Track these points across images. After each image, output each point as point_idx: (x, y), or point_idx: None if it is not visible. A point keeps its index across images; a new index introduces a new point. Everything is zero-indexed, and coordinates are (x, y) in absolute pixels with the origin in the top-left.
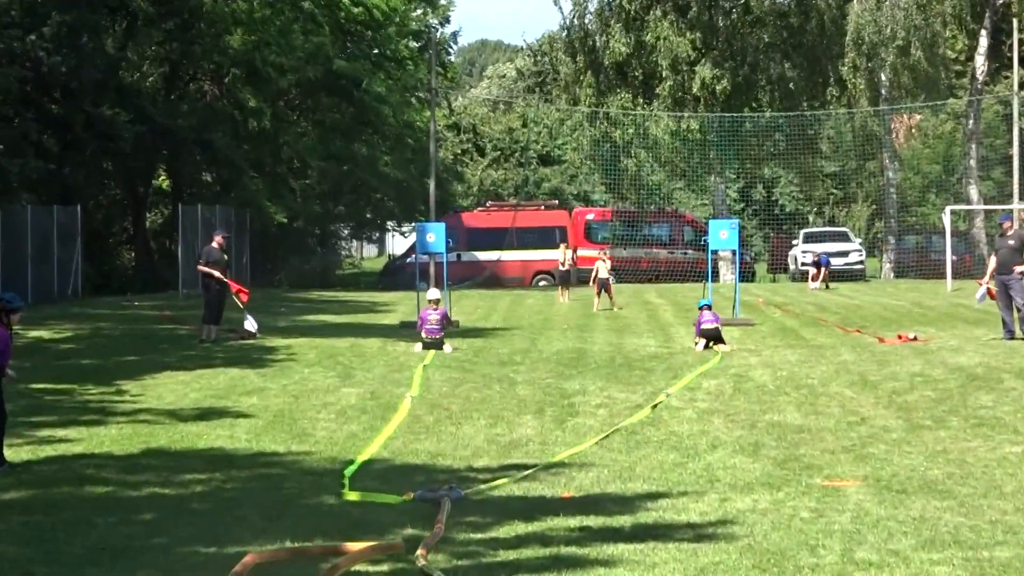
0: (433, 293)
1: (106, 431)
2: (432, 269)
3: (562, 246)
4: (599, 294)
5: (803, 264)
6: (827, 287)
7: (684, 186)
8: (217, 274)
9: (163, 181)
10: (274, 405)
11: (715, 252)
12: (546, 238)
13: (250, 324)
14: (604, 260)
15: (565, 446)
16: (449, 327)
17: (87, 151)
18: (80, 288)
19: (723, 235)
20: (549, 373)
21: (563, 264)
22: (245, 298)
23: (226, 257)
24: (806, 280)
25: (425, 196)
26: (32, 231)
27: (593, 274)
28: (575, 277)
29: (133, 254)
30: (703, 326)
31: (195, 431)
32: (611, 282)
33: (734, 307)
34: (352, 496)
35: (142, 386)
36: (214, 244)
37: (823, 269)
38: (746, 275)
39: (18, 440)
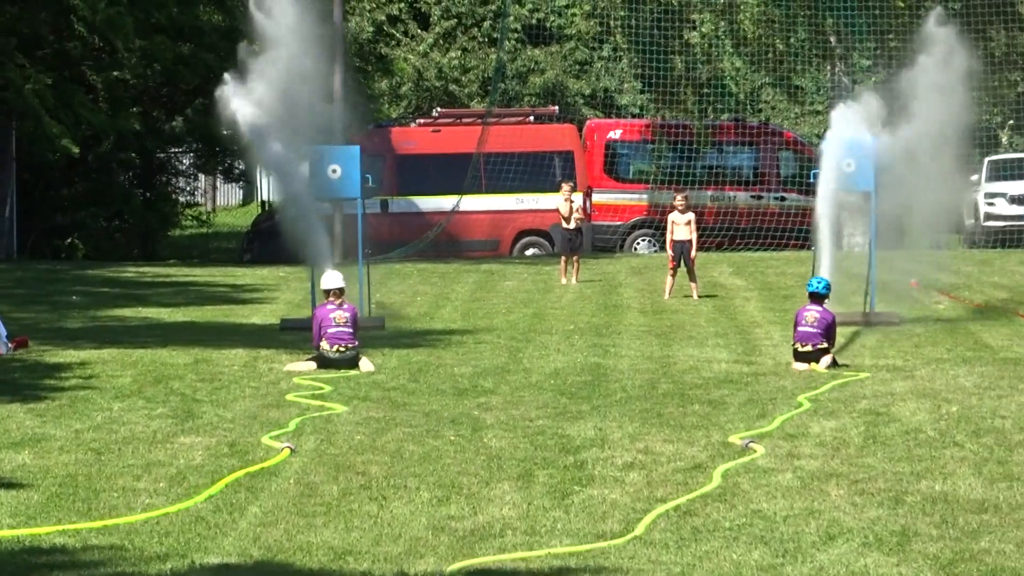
0: (333, 279)
1: None
2: (337, 227)
3: (566, 187)
4: (674, 271)
5: (989, 215)
6: None
7: (780, 81)
8: None
9: None
10: (59, 467)
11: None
12: (538, 174)
13: None
14: (680, 208)
15: (569, 537)
16: (363, 330)
17: None
18: None
19: (849, 167)
20: (542, 410)
21: (568, 219)
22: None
23: None
24: (996, 242)
25: (324, 98)
26: None
27: (668, 234)
28: (590, 241)
29: None
30: (799, 333)
31: None
32: (693, 247)
33: (867, 295)
34: None
35: None
36: None
37: None
38: (889, 236)
39: None
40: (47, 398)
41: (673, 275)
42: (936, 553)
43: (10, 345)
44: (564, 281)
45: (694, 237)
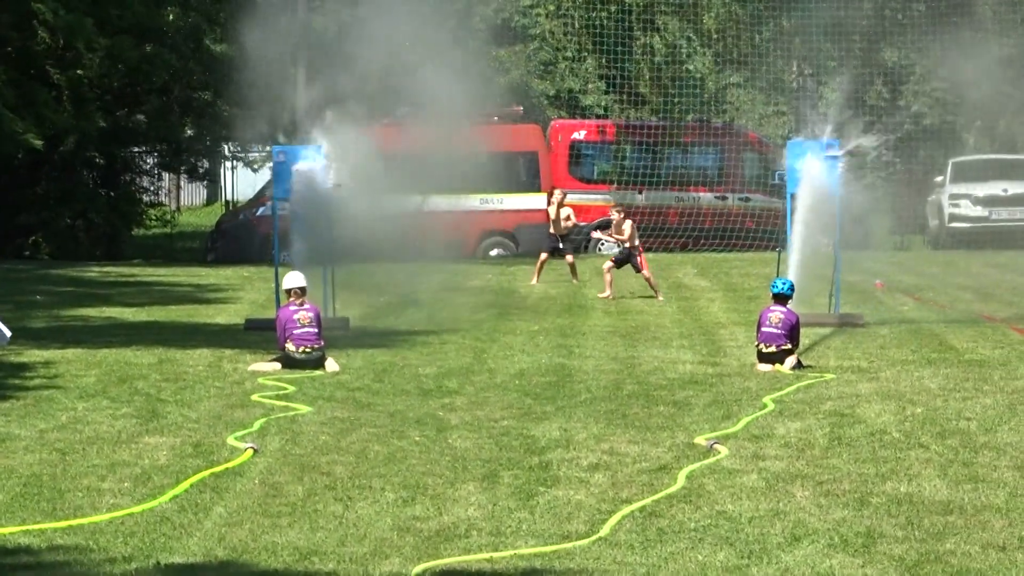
0: (295, 278)
1: None
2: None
3: (558, 193)
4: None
5: (954, 217)
6: None
7: (745, 81)
8: None
9: None
10: (24, 467)
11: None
12: (504, 173)
13: None
14: (619, 212)
15: (534, 538)
16: (327, 330)
17: None
18: None
19: (813, 168)
20: (507, 410)
21: (556, 224)
22: None
23: None
24: (961, 244)
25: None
26: None
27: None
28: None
29: None
30: (763, 334)
31: None
32: (639, 251)
33: (832, 295)
34: None
35: None
36: None
37: None
38: (854, 238)
39: None
40: (11, 398)
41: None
42: (902, 554)
43: None
44: (534, 282)
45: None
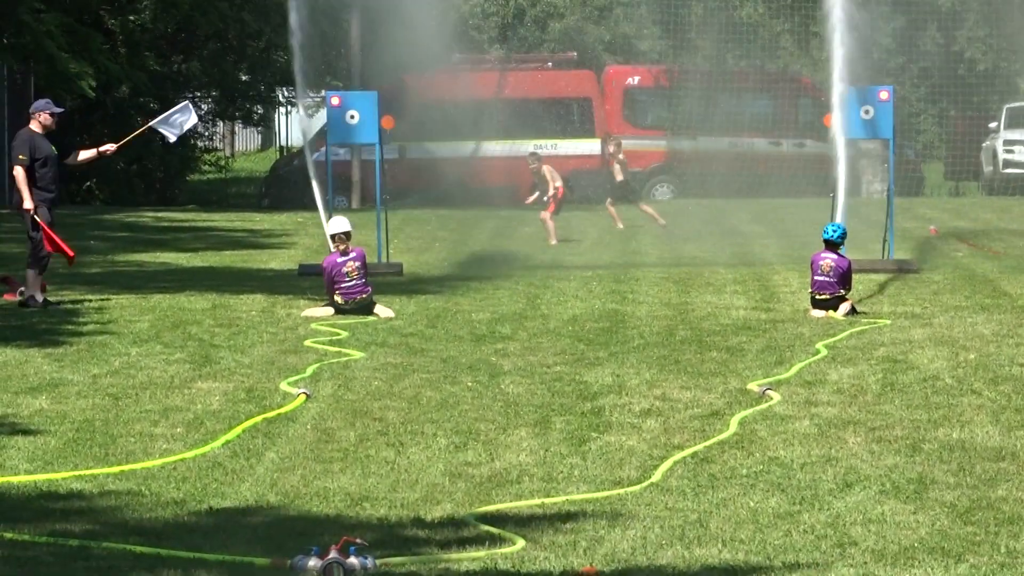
0: (339, 223)
1: None
2: (355, 174)
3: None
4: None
5: (1008, 163)
6: None
7: (796, 27)
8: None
9: None
10: (76, 412)
11: (852, 143)
12: (558, 119)
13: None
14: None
15: (586, 484)
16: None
17: None
18: None
19: (866, 113)
20: (559, 355)
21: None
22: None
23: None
24: (1015, 190)
25: (340, 45)
26: None
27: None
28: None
29: None
30: (816, 282)
31: None
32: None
33: (885, 241)
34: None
35: None
36: (34, 126)
37: None
38: (908, 184)
39: None
40: (65, 343)
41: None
42: (953, 501)
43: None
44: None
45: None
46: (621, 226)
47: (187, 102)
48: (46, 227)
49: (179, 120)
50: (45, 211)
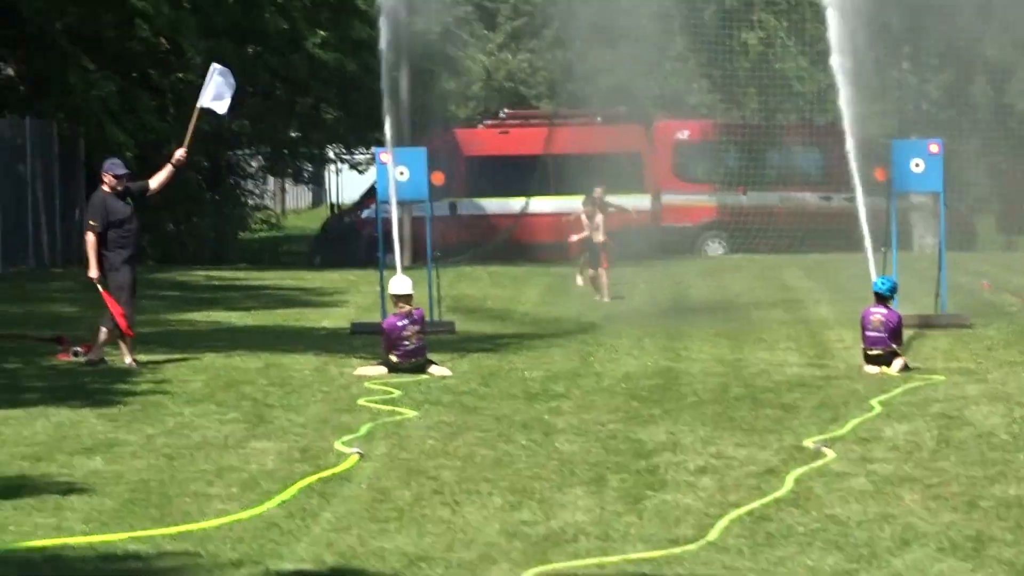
0: (401, 284)
1: None
2: (405, 230)
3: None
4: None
5: None
6: None
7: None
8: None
9: None
10: (132, 472)
11: (902, 196)
12: (608, 174)
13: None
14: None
15: (643, 543)
16: (433, 333)
17: None
18: None
19: (916, 166)
20: (613, 413)
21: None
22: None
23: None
24: None
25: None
26: None
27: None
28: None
29: None
30: (868, 337)
31: None
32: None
33: (938, 295)
34: None
35: None
36: (104, 187)
37: None
38: (960, 238)
39: None
40: (119, 403)
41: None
42: (1012, 558)
43: (81, 349)
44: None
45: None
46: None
47: (212, 65)
48: (107, 296)
49: (219, 88)
50: (126, 271)
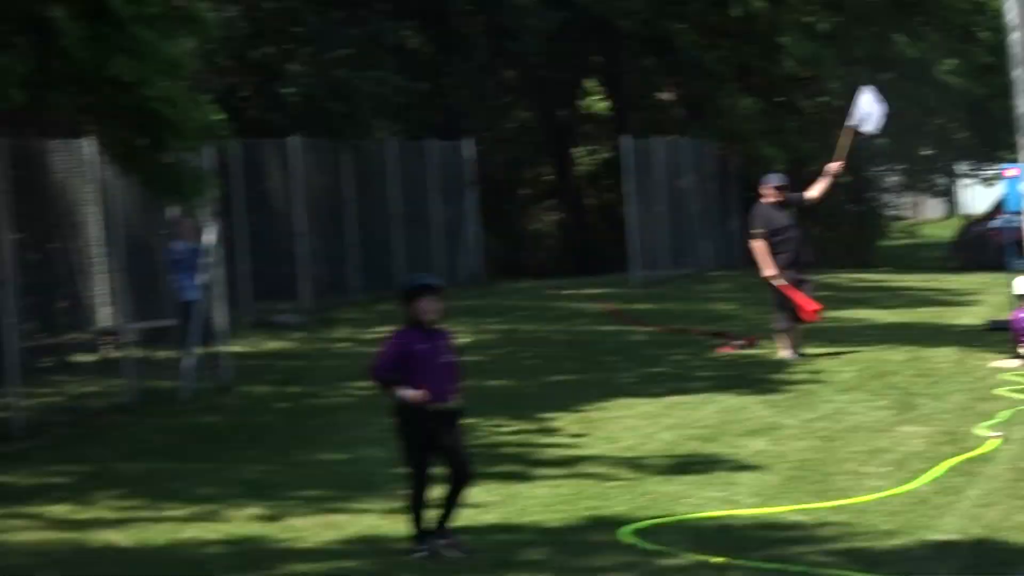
0: (1022, 284)
1: (531, 490)
2: None
3: None
4: None
5: None
6: None
7: None
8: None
9: (596, 101)
10: (794, 452)
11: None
12: None
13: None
14: None
15: None
16: None
17: (473, 56)
18: (479, 267)
19: None
20: None
21: None
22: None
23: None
24: None
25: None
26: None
27: None
28: None
29: (556, 215)
30: None
31: (670, 491)
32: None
33: None
34: None
35: (584, 422)
36: (768, 199)
37: None
38: None
39: (391, 501)
40: (778, 391)
41: None
42: None
43: (741, 342)
44: None
45: None
46: None
47: (859, 90)
48: (784, 289)
49: (866, 111)
50: (791, 273)
